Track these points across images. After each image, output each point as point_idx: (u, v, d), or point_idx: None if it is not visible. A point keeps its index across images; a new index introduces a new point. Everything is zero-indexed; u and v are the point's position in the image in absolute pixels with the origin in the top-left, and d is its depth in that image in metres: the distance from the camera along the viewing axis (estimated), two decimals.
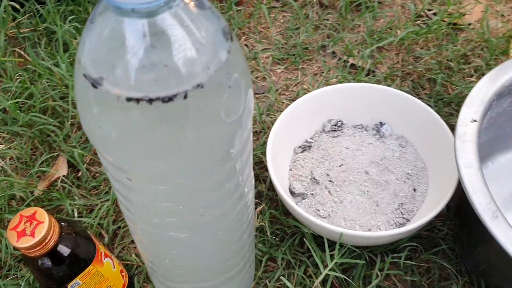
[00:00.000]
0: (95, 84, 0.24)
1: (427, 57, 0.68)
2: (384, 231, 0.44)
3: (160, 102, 0.23)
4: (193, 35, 0.24)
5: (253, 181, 0.38)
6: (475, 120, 0.45)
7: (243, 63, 0.28)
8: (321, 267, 0.45)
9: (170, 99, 0.23)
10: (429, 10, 0.76)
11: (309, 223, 0.47)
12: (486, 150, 0.56)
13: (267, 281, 0.49)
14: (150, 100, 0.23)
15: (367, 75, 0.69)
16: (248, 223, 0.39)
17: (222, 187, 0.31)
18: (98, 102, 0.25)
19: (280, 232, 0.52)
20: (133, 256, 0.52)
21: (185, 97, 0.24)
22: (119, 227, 0.54)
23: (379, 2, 0.78)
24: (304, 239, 0.50)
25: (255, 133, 0.63)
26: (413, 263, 0.50)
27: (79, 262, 0.40)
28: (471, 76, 0.67)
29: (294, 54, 0.72)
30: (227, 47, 0.25)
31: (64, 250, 0.39)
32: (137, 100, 0.23)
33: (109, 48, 0.24)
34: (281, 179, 0.53)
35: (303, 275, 0.49)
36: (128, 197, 0.31)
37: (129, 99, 0.23)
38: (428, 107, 0.54)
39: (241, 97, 0.28)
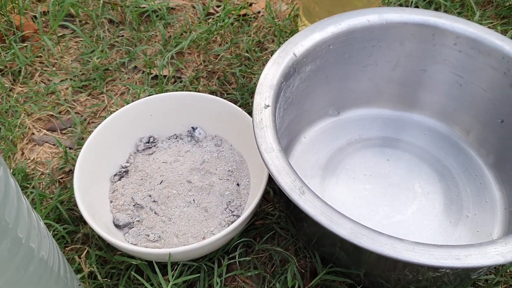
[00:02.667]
0: None
1: (223, 53, 0.70)
2: (208, 239, 0.43)
3: None
4: None
5: (47, 233, 0.34)
6: (268, 106, 0.46)
7: None
8: None
9: None
10: (218, 6, 0.78)
11: (135, 253, 0.44)
12: (296, 127, 0.59)
13: None
14: None
15: (174, 82, 0.68)
16: (57, 278, 0.35)
17: None
18: None
19: (115, 271, 0.49)
20: None
21: None
22: None
23: (171, 9, 0.77)
24: (132, 270, 0.47)
25: (69, 172, 0.58)
26: (252, 257, 0.50)
27: None
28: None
29: (94, 79, 0.68)
30: None
31: None
32: None
33: None
34: (102, 214, 0.50)
35: None
36: None
37: None
38: (229, 102, 0.54)
39: None
